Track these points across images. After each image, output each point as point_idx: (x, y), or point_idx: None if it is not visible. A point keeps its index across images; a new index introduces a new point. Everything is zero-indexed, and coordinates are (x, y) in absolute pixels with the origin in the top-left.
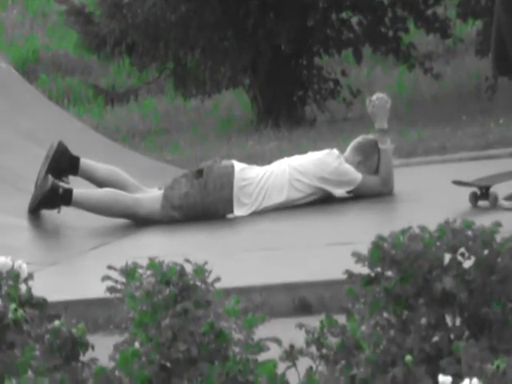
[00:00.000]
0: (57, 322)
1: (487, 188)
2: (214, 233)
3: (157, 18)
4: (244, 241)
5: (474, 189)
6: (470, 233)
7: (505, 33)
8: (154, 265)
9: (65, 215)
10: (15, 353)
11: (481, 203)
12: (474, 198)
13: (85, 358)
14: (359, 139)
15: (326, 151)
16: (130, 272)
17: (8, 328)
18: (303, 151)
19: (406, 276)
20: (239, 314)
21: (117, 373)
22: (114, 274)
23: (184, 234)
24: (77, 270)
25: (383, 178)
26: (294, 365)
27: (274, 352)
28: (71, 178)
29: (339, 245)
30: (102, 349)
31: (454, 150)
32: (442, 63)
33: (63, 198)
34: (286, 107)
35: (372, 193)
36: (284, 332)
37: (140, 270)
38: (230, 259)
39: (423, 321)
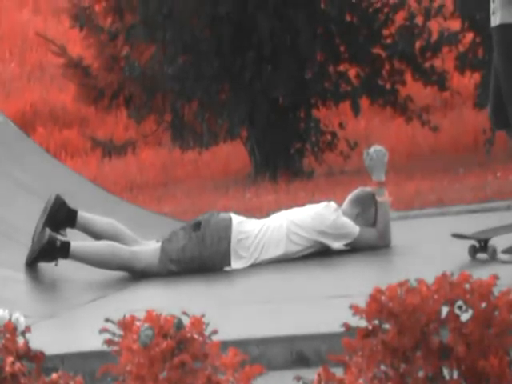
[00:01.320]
0: (54, 375)
1: (486, 241)
2: (211, 285)
3: (154, 71)
4: (241, 293)
5: (473, 242)
6: (467, 286)
7: (501, 79)
8: (151, 317)
9: (62, 267)
10: None
11: (479, 256)
12: (473, 251)
13: None
14: (357, 191)
15: (323, 204)
16: (127, 325)
17: (5, 381)
18: (301, 204)
19: (403, 329)
20: (237, 367)
21: None
22: (112, 327)
23: (181, 287)
24: (74, 323)
25: (380, 230)
26: None
27: None
28: (68, 230)
29: (336, 297)
30: None
31: (451, 203)
32: (439, 116)
33: (61, 251)
34: (284, 159)
35: (369, 246)
36: None
37: (137, 323)
38: (228, 312)
39: (421, 374)
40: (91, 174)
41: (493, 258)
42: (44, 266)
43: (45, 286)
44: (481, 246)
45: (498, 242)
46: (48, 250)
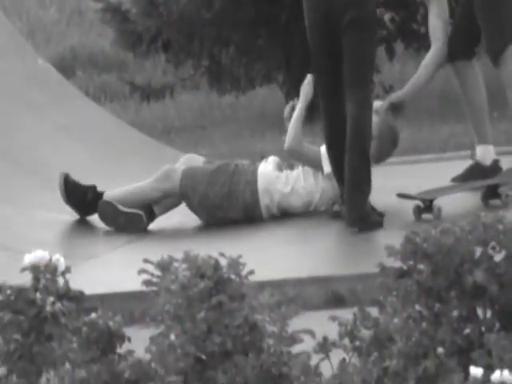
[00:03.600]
0: (93, 315)
1: (431, 201)
2: (244, 230)
3: (191, 16)
4: (275, 236)
5: (418, 202)
6: (500, 227)
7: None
8: (189, 259)
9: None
10: (53, 345)
11: (424, 216)
12: (418, 211)
13: (121, 350)
14: None
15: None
16: (165, 266)
17: (46, 321)
18: None
19: (437, 269)
20: (273, 307)
21: (153, 365)
22: (150, 268)
23: (215, 231)
24: (113, 264)
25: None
26: (328, 357)
27: (307, 344)
28: None
29: (371, 238)
30: (138, 341)
31: None
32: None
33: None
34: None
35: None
36: (317, 325)
37: (175, 264)
38: (264, 253)
39: (455, 313)
40: (130, 118)
41: (438, 218)
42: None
43: (84, 228)
44: (426, 206)
45: (443, 202)
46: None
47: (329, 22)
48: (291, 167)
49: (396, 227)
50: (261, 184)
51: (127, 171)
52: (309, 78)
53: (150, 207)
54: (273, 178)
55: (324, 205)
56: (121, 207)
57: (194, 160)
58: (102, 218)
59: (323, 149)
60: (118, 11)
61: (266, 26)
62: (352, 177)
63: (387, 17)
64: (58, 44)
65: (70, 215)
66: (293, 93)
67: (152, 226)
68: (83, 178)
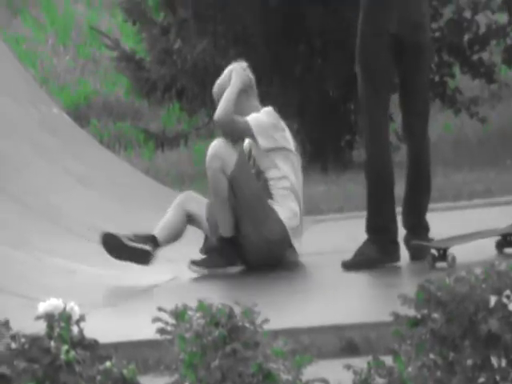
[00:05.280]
0: (108, 363)
1: (445, 250)
2: (260, 276)
3: (206, 64)
4: (289, 283)
5: (432, 250)
6: None
7: None
8: (203, 307)
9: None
10: None
11: (439, 264)
12: (432, 260)
13: None
14: None
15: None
16: (179, 314)
17: (61, 369)
18: (351, 195)
19: (451, 317)
20: (287, 355)
21: None
22: (164, 316)
23: (232, 278)
24: (127, 312)
25: None
26: None
27: None
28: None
29: (386, 287)
30: None
31: (499, 194)
32: (487, 108)
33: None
34: (334, 151)
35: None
36: (331, 373)
37: (190, 312)
38: (278, 301)
39: (469, 362)
40: (144, 166)
41: (452, 266)
42: (96, 256)
43: (98, 275)
44: (440, 255)
45: (457, 250)
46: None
47: (393, 47)
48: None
49: (410, 275)
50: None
51: (139, 218)
52: (244, 64)
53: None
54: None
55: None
56: (126, 241)
57: (193, 198)
58: (108, 251)
59: (251, 119)
60: (132, 60)
61: (280, 73)
62: (420, 208)
63: None
64: (72, 92)
65: (82, 262)
66: (306, 140)
67: (166, 274)
68: (97, 226)
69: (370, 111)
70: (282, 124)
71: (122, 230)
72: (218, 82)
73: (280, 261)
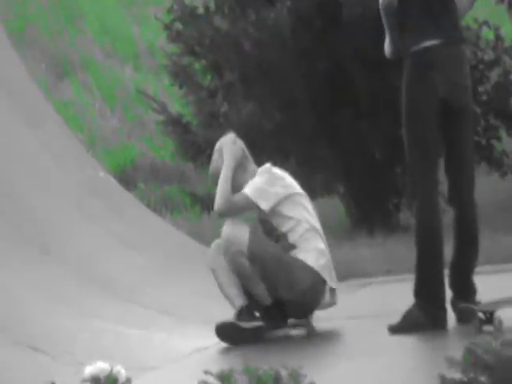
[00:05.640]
0: None
1: (491, 313)
2: (306, 339)
3: (252, 127)
4: (336, 346)
5: (479, 314)
6: None
7: None
8: (249, 370)
9: (161, 320)
10: None
11: (486, 328)
12: (479, 323)
13: None
14: None
15: None
16: (226, 377)
17: None
18: (398, 258)
19: (498, 381)
20: None
21: None
22: (210, 379)
23: (277, 341)
24: (174, 375)
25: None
26: None
27: None
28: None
29: (431, 349)
30: None
31: None
32: None
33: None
34: (381, 214)
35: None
36: None
37: (236, 375)
38: (324, 364)
39: None
40: (190, 229)
41: (499, 330)
42: (142, 319)
43: (144, 338)
44: (487, 318)
45: (504, 314)
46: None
47: (439, 111)
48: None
49: (456, 338)
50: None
51: (186, 282)
52: (232, 136)
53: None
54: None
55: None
56: (240, 323)
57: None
58: (224, 340)
59: (247, 190)
60: (179, 123)
61: (326, 136)
62: (468, 271)
63: None
64: (119, 155)
65: (128, 324)
66: (353, 203)
67: (210, 338)
68: (142, 289)
69: (419, 177)
70: (278, 173)
71: (171, 294)
72: (212, 164)
73: (321, 304)
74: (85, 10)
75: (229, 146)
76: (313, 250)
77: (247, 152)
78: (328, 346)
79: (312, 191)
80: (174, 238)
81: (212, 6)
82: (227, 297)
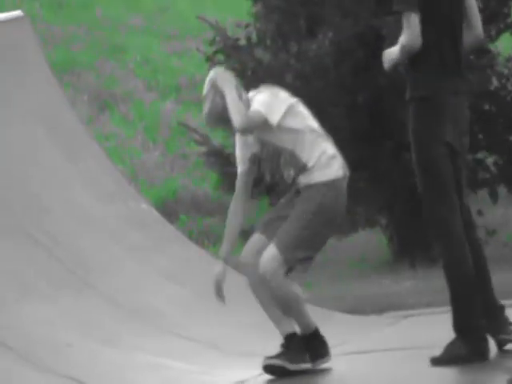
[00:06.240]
0: None
1: None
2: (348, 369)
3: None
4: (378, 376)
5: None
6: None
7: None
8: None
9: (206, 351)
10: None
11: None
12: None
13: None
14: None
15: None
16: None
17: None
18: (440, 290)
19: None
20: None
21: None
22: None
23: (319, 372)
24: None
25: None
26: None
27: None
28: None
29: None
30: None
31: None
32: None
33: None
34: (423, 247)
35: None
36: None
37: None
38: None
39: None
40: (233, 261)
41: None
42: (184, 351)
43: (186, 370)
44: None
45: None
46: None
47: (448, 153)
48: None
49: (498, 371)
50: None
51: (229, 314)
52: (221, 69)
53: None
54: None
55: None
56: (288, 366)
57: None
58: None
59: (257, 105)
60: (221, 155)
61: (368, 168)
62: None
63: (490, 160)
64: (161, 187)
65: (169, 357)
66: (395, 236)
67: (253, 369)
68: (185, 322)
69: (441, 216)
70: (274, 88)
71: (214, 326)
72: (208, 104)
73: None
74: (127, 43)
75: (223, 76)
76: (323, 157)
77: (237, 80)
78: (368, 379)
79: (353, 224)
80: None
81: (254, 37)
82: (273, 320)
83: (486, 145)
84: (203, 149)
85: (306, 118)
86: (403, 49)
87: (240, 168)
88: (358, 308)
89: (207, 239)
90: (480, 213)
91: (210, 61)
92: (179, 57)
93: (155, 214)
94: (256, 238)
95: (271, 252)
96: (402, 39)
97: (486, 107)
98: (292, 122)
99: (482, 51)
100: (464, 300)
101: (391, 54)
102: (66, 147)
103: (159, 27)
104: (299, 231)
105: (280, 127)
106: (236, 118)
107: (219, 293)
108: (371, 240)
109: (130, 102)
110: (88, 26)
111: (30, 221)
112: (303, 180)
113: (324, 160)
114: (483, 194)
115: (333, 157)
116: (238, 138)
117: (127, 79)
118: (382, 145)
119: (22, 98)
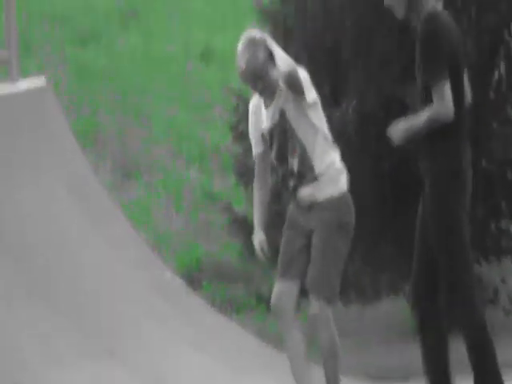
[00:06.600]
0: None
1: None
2: None
3: None
4: None
5: None
6: None
7: None
8: None
9: None
10: None
11: None
12: None
13: None
14: None
15: None
16: None
17: None
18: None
19: None
20: None
21: None
22: None
23: None
24: None
25: None
26: None
27: None
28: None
29: None
30: None
31: None
32: None
33: None
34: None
35: None
36: None
37: None
38: None
39: None
40: (256, 329)
41: None
42: None
43: None
44: None
45: None
46: None
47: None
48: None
49: None
50: None
51: (255, 382)
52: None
53: None
54: None
55: None
56: None
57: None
58: None
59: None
60: (244, 223)
61: (392, 235)
62: None
63: None
64: (184, 255)
65: None
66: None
67: None
68: None
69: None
70: None
71: None
72: (254, 60)
73: None
74: (151, 110)
75: (268, 39)
76: (331, 168)
77: None
78: None
79: (377, 291)
80: (240, 339)
81: None
82: (296, 377)
83: (510, 213)
84: (227, 217)
85: (322, 120)
86: (435, 121)
87: (255, 150)
88: (383, 376)
89: (230, 307)
90: (503, 281)
91: (233, 129)
92: (204, 125)
93: (179, 281)
94: (281, 285)
95: (319, 308)
96: (434, 110)
97: (509, 175)
98: (314, 116)
99: (505, 119)
100: (489, 363)
101: (405, 127)
102: (91, 214)
103: (184, 95)
104: (333, 268)
105: (308, 110)
106: (286, 63)
107: (263, 250)
108: (395, 307)
109: (154, 170)
110: (112, 94)
111: (54, 286)
112: (313, 192)
113: (333, 172)
114: (506, 262)
115: (342, 171)
116: (251, 117)
117: (151, 147)
118: (406, 211)
119: (49, 165)
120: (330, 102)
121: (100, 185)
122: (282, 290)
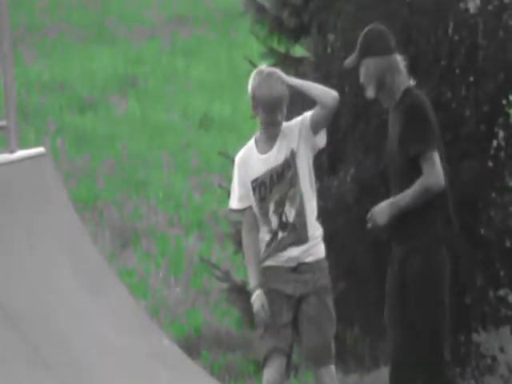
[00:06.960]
0: None
1: None
2: None
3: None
4: None
5: None
6: None
7: None
8: None
9: None
10: None
11: None
12: None
13: None
14: None
15: None
16: None
17: None
18: None
19: None
20: None
21: None
22: None
23: None
24: None
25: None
26: None
27: None
28: None
29: None
30: None
31: None
32: None
33: None
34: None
35: None
36: None
37: None
38: None
39: None
40: None
41: None
42: None
43: None
44: None
45: None
46: None
47: None
48: None
49: None
50: None
51: None
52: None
53: None
54: None
55: None
56: None
57: None
58: None
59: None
60: (243, 291)
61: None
62: None
63: None
64: (183, 323)
65: None
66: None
67: None
68: None
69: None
70: None
71: None
72: (275, 88)
73: None
74: (149, 178)
75: (281, 73)
76: (318, 229)
77: None
78: None
79: (376, 360)
80: None
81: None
82: None
83: (509, 282)
84: (225, 285)
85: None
86: (428, 190)
87: (241, 205)
88: None
89: (229, 374)
90: (502, 350)
91: None
92: (202, 192)
93: (176, 349)
94: (275, 362)
95: (326, 373)
96: (426, 180)
97: (508, 244)
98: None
99: (503, 187)
100: None
101: (390, 203)
102: (88, 280)
103: (182, 162)
104: (330, 334)
105: (312, 155)
106: (324, 89)
107: (263, 307)
108: None
109: (152, 238)
110: (111, 162)
111: (49, 351)
112: (303, 254)
113: (320, 231)
114: (505, 330)
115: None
116: (238, 170)
117: (150, 215)
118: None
119: (49, 235)
120: (328, 170)
121: (99, 253)
122: (274, 368)
